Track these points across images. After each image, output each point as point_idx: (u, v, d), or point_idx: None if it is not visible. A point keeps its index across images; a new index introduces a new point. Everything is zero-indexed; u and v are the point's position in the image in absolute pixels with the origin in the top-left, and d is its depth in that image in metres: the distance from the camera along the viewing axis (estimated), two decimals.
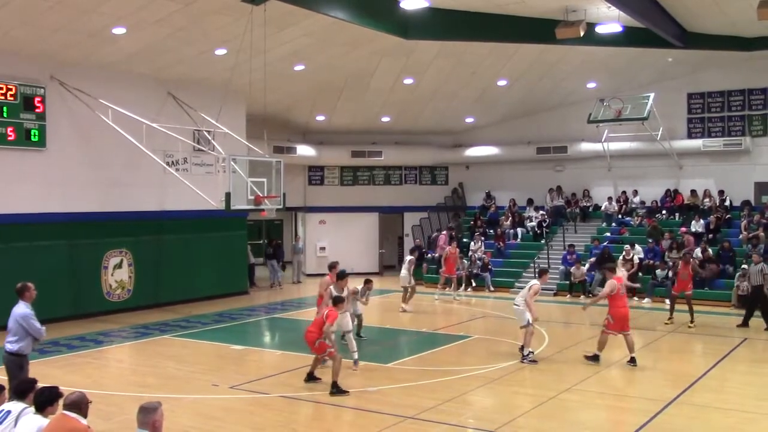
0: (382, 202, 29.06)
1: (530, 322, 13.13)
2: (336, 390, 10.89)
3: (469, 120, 28.02)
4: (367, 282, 14.96)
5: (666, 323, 17.25)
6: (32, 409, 6.11)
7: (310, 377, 11.67)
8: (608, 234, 24.51)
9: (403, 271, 20.10)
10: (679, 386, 11.47)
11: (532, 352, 13.25)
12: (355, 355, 12.80)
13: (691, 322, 17.00)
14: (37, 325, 9.29)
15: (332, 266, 14.56)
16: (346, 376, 12.39)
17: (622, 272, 14.66)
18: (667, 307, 19.68)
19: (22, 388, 6.41)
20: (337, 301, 11.91)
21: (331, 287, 13.65)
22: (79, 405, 5.84)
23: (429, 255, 25.99)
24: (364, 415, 10.17)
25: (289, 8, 15.60)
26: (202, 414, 10.19)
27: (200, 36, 17.20)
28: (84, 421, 5.80)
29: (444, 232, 25.91)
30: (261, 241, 28.71)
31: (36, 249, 17.23)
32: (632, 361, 12.93)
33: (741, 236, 22.02)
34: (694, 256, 20.27)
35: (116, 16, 15.37)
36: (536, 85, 24.45)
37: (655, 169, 25.16)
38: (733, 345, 14.84)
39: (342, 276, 13.96)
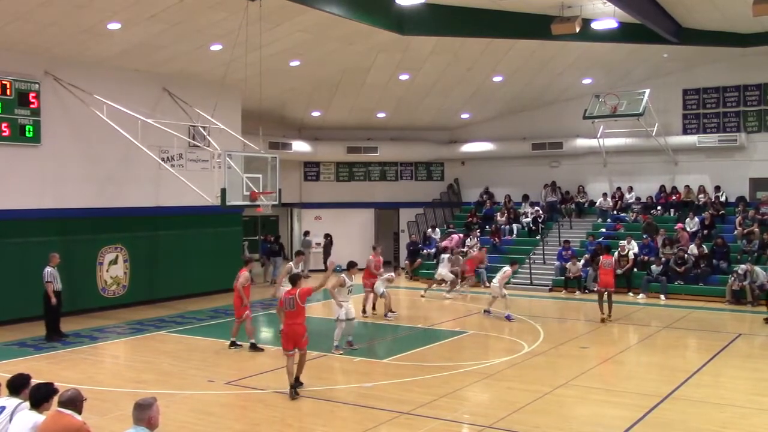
0: (377, 198, 29.06)
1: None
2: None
3: (465, 116, 28.01)
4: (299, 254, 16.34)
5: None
6: (27, 404, 6.08)
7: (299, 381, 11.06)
8: (603, 230, 24.56)
9: (443, 269, 21.78)
10: (673, 381, 11.51)
11: None
12: (335, 342, 13.66)
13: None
14: None
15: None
16: (342, 372, 12.42)
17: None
18: (662, 302, 19.77)
19: (17, 384, 6.38)
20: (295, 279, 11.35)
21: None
22: (74, 402, 5.83)
23: (425, 251, 26.03)
24: (360, 410, 10.19)
25: (285, 4, 15.56)
26: (198, 410, 10.18)
27: (195, 31, 17.16)
28: (79, 418, 5.79)
29: (458, 235, 25.59)
30: (257, 237, 28.61)
31: (30, 245, 17.15)
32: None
33: (736, 232, 22.07)
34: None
35: (111, 11, 15.33)
36: (532, 81, 24.45)
37: (650, 165, 25.19)
38: (727, 341, 14.88)
39: (352, 266, 14.89)
